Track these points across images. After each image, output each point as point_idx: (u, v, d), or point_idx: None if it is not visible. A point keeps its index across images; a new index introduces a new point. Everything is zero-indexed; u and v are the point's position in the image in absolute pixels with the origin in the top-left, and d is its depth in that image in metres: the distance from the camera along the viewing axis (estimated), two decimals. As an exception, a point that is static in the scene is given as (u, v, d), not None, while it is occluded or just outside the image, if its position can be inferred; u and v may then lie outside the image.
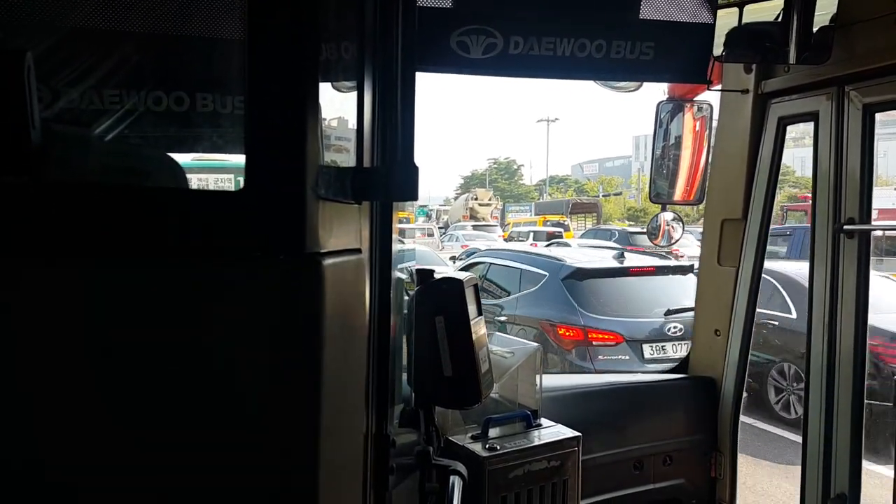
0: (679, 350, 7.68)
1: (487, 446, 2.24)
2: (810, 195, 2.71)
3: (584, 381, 3.35)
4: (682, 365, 3.31)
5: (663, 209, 3.00)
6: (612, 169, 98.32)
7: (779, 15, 2.26)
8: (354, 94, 1.12)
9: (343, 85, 1.17)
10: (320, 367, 0.87)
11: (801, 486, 2.73)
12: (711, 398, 3.08)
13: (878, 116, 2.47)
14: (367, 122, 1.13)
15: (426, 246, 25.23)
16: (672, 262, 9.83)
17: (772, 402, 8.35)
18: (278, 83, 0.87)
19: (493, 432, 2.33)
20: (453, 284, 1.72)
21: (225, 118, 1.51)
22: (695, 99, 2.84)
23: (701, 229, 3.21)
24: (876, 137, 2.47)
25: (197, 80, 1.51)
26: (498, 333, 4.02)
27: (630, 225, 35.07)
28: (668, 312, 7.72)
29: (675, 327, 7.75)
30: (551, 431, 2.40)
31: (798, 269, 8.34)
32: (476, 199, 46.28)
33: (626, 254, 9.22)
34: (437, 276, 1.77)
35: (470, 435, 2.30)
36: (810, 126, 2.64)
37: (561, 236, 28.04)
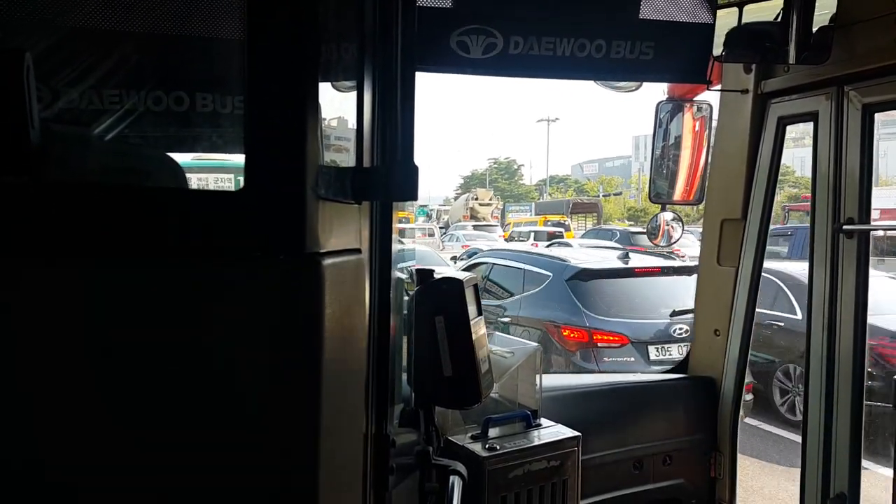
0: (685, 352, 7.60)
1: (487, 446, 2.24)
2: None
3: (584, 381, 3.35)
4: (682, 365, 3.32)
5: (663, 209, 3.00)
6: (612, 169, 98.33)
7: (778, 15, 2.26)
8: (354, 94, 1.12)
9: (343, 85, 1.17)
10: (320, 367, 0.87)
11: (800, 486, 2.73)
12: (711, 398, 3.08)
13: (879, 116, 2.47)
14: (367, 122, 1.13)
15: (427, 246, 25.22)
16: (677, 263, 9.75)
17: (777, 404, 8.30)
18: (278, 83, 0.87)
19: (493, 432, 2.33)
20: (453, 284, 1.72)
21: (225, 118, 1.51)
22: (694, 99, 2.84)
23: (701, 229, 3.21)
24: (877, 137, 2.47)
25: (197, 80, 1.51)
26: (498, 333, 4.02)
27: (630, 225, 35.09)
28: (674, 313, 7.61)
29: (680, 328, 7.68)
30: (551, 431, 2.40)
31: (802, 270, 8.27)
32: (477, 198, 46.28)
33: (630, 254, 9.14)
34: (436, 275, 1.77)
35: (470, 435, 2.30)
36: (810, 126, 2.64)
37: (562, 236, 28.04)
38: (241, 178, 0.88)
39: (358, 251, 1.08)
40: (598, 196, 53.14)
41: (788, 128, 2.78)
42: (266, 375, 0.86)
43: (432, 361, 1.66)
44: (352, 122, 1.13)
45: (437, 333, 1.66)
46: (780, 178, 2.92)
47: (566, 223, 34.15)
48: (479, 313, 1.86)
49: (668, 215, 3.03)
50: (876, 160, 2.55)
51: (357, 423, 1.12)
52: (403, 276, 1.73)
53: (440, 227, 38.58)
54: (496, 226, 38.62)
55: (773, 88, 2.72)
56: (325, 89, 0.96)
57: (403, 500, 1.49)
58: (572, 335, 7.76)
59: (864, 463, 2.58)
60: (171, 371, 0.85)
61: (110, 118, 1.44)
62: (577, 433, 2.38)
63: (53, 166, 0.96)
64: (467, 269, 10.16)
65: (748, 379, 7.86)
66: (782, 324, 8.28)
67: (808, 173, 2.67)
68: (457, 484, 1.72)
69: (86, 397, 0.84)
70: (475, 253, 15.64)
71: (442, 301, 1.69)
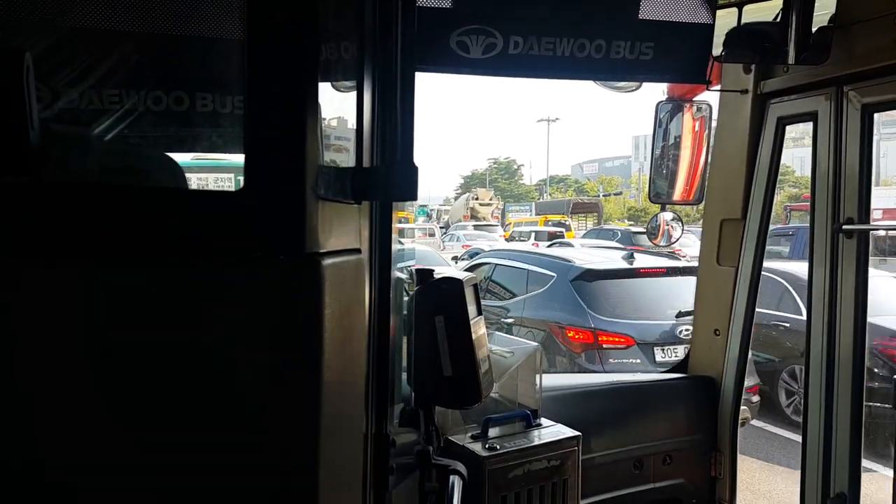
0: (690, 353, 7.54)
1: (487, 446, 2.24)
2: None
3: (584, 380, 3.36)
4: (682, 364, 3.32)
5: (663, 209, 3.01)
6: (611, 169, 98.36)
7: (778, 15, 2.26)
8: (354, 94, 1.12)
9: (343, 85, 1.17)
10: (320, 367, 0.87)
11: (800, 486, 2.73)
12: (711, 398, 3.08)
13: (880, 117, 2.47)
14: (367, 122, 1.13)
15: (428, 246, 25.21)
16: (682, 263, 9.65)
17: (783, 406, 8.24)
18: (278, 83, 0.87)
19: (493, 432, 2.33)
20: (453, 284, 1.72)
21: (224, 118, 1.51)
22: (694, 99, 2.84)
23: (701, 229, 3.21)
24: (877, 137, 2.47)
25: (197, 80, 1.51)
26: (498, 333, 4.02)
27: (631, 225, 35.09)
28: (680, 314, 7.53)
29: (686, 330, 7.52)
30: (551, 431, 2.40)
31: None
32: (477, 198, 46.27)
33: (635, 254, 9.02)
34: (436, 275, 1.77)
35: (470, 435, 2.30)
36: (810, 126, 2.64)
37: (562, 236, 28.04)
38: (241, 178, 0.88)
39: (358, 251, 1.08)
40: (599, 196, 53.14)
41: (788, 128, 2.78)
42: (266, 375, 0.86)
43: (432, 361, 1.66)
44: (352, 122, 1.13)
45: (437, 333, 1.66)
46: (779, 178, 2.92)
47: (567, 223, 34.16)
48: (479, 313, 1.86)
49: (667, 215, 3.04)
50: (877, 160, 2.55)
51: (357, 423, 1.12)
52: (403, 276, 1.73)
53: (440, 227, 38.58)
54: (497, 226, 38.63)
55: (772, 88, 2.72)
56: (325, 89, 0.97)
57: (403, 499, 1.49)
58: (577, 336, 7.67)
59: (867, 463, 2.58)
60: (171, 371, 0.85)
61: (110, 118, 1.44)
62: (577, 433, 2.38)
63: (53, 166, 0.96)
64: (470, 269, 10.02)
65: (755, 381, 7.77)
66: (788, 325, 8.23)
67: (808, 173, 2.67)
68: (457, 484, 1.72)
69: (86, 397, 0.84)
70: (476, 253, 15.58)
71: (442, 301, 1.69)
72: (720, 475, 3.05)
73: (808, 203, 2.69)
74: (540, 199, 56.41)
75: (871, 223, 2.57)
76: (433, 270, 1.77)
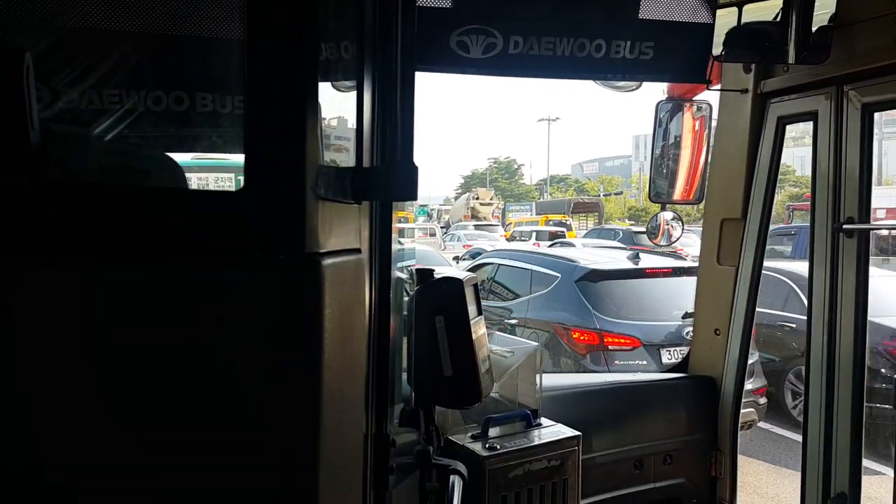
0: (697, 354, 7.40)
1: (487, 446, 2.24)
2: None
3: (584, 380, 3.36)
4: (682, 364, 3.32)
5: (663, 208, 3.01)
6: (612, 168, 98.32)
7: (778, 15, 2.26)
8: (354, 94, 1.12)
9: (343, 85, 1.17)
10: (320, 367, 0.87)
11: (801, 486, 2.73)
12: (711, 397, 3.08)
13: (883, 116, 2.47)
14: (367, 122, 1.13)
15: (429, 246, 25.20)
16: (688, 263, 9.48)
17: (789, 407, 8.14)
18: (278, 83, 0.87)
19: (493, 432, 2.33)
20: (453, 284, 1.72)
21: (224, 118, 1.51)
22: (694, 98, 2.84)
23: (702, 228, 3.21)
24: (879, 137, 2.48)
25: (197, 80, 1.51)
26: (499, 333, 4.01)
27: (632, 224, 35.09)
28: (686, 315, 7.30)
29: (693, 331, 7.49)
30: (551, 431, 2.40)
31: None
32: (477, 198, 46.23)
33: (640, 254, 8.84)
34: (436, 275, 1.77)
35: (470, 434, 2.30)
36: (810, 125, 2.64)
37: (563, 236, 28.03)
38: (241, 178, 0.88)
39: (358, 251, 1.08)
40: (599, 196, 53.14)
41: (788, 127, 2.78)
42: (266, 375, 0.86)
43: (432, 361, 1.66)
44: (352, 122, 1.13)
45: (437, 333, 1.66)
46: (780, 177, 2.92)
47: (568, 223, 34.15)
48: (480, 313, 1.86)
49: (668, 215, 3.04)
50: (879, 160, 2.56)
51: (357, 423, 1.12)
52: (403, 275, 1.73)
53: (441, 227, 38.58)
54: (497, 225, 38.61)
55: (772, 88, 2.72)
56: (325, 89, 0.97)
57: (403, 499, 1.49)
58: (582, 338, 7.52)
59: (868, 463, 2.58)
60: (171, 371, 0.85)
61: (110, 118, 1.44)
62: (577, 433, 2.38)
63: (53, 166, 0.96)
64: (472, 269, 9.91)
65: (762, 382, 7.64)
66: (794, 325, 8.11)
67: (809, 172, 2.67)
68: (457, 483, 1.72)
69: (86, 397, 0.84)
70: (478, 253, 15.51)
71: (442, 301, 1.69)
72: (720, 475, 3.05)
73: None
74: (540, 199, 56.39)
75: (872, 223, 2.57)
76: (433, 270, 1.77)
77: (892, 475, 2.67)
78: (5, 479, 0.83)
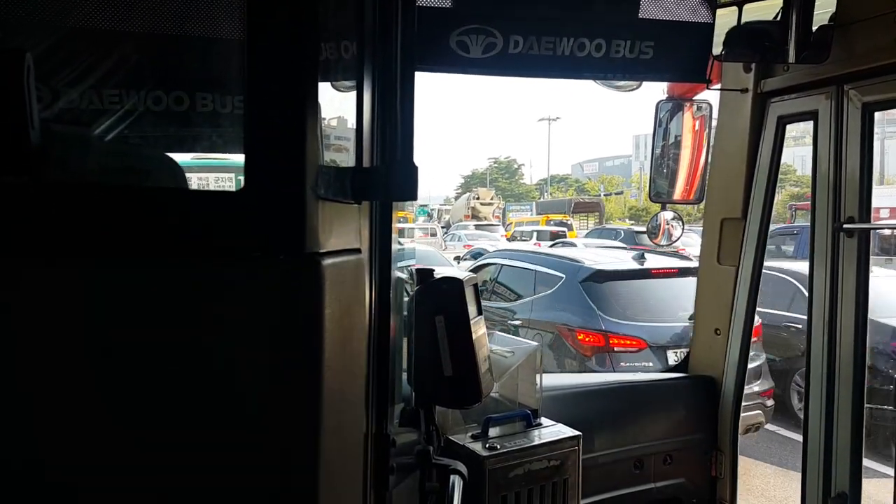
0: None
1: (487, 446, 2.24)
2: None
3: (585, 380, 3.36)
4: (683, 364, 3.32)
5: (663, 208, 3.01)
6: (612, 168, 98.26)
7: (778, 14, 2.26)
8: (354, 94, 1.12)
9: (343, 85, 1.17)
10: (320, 367, 0.87)
11: (801, 485, 2.73)
12: (711, 397, 3.08)
13: (884, 115, 2.47)
14: (367, 122, 1.13)
15: (430, 246, 25.18)
16: (694, 264, 9.39)
17: (795, 409, 7.96)
18: (278, 83, 0.87)
19: (494, 432, 2.33)
20: (453, 284, 1.72)
21: (224, 118, 1.51)
22: (694, 98, 2.84)
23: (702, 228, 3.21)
24: (881, 136, 2.47)
25: (197, 80, 1.51)
26: (498, 333, 4.01)
27: (633, 224, 35.09)
28: (692, 317, 7.34)
29: None
30: (551, 431, 2.40)
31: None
32: (478, 198, 46.20)
33: (646, 254, 8.64)
34: (436, 275, 1.77)
35: (470, 434, 2.30)
36: (810, 125, 2.64)
37: (564, 236, 28.03)
38: (242, 178, 0.88)
39: (358, 251, 1.08)
40: (600, 195, 53.14)
41: (788, 127, 2.78)
42: (266, 375, 0.86)
43: (432, 361, 1.66)
44: (352, 122, 1.13)
45: (437, 333, 1.66)
46: (780, 176, 2.92)
47: (569, 222, 34.14)
48: (480, 313, 1.86)
49: (668, 214, 3.04)
50: (880, 159, 2.56)
51: (357, 423, 1.12)
52: (403, 275, 1.73)
53: (441, 227, 38.58)
54: (498, 225, 38.61)
55: (772, 87, 2.71)
56: (325, 89, 0.97)
57: (404, 499, 1.49)
58: (587, 339, 7.38)
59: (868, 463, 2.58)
60: (171, 371, 0.85)
61: (110, 118, 1.44)
62: (577, 432, 2.38)
63: (53, 166, 0.96)
64: (474, 270, 9.77)
65: (769, 384, 7.53)
66: (799, 326, 7.95)
67: (809, 172, 2.67)
68: (457, 483, 1.72)
69: (86, 397, 0.84)
70: (480, 253, 15.45)
71: (442, 301, 1.69)
72: (721, 475, 3.05)
73: (812, 202, 2.68)
74: (541, 199, 56.39)
75: (872, 222, 2.56)
76: (433, 270, 1.77)
77: (893, 475, 2.67)
78: (5, 479, 0.83)
